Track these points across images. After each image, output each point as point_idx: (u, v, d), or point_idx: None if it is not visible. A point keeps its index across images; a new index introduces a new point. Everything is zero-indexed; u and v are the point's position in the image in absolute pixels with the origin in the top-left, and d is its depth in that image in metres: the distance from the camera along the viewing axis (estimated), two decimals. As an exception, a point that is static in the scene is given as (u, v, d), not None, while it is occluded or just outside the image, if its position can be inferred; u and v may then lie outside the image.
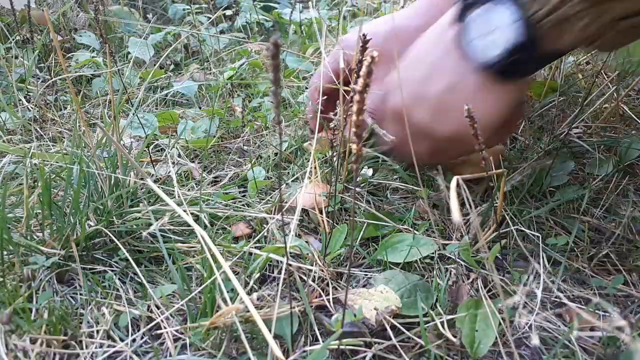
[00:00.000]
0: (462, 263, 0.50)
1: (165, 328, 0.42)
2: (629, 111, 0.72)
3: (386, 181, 0.63)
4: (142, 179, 0.56)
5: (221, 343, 0.39)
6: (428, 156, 0.53)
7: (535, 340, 0.30)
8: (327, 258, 0.49)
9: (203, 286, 0.41)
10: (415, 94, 0.50)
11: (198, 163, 0.73)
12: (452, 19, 0.48)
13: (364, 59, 0.25)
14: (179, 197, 0.57)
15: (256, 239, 0.53)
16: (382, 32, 0.62)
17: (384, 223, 0.54)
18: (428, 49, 0.51)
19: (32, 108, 0.87)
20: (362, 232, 0.53)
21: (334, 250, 0.50)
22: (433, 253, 0.50)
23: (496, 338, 0.41)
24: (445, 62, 0.48)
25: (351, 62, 0.62)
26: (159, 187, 0.61)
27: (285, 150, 0.76)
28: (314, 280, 0.46)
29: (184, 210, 0.41)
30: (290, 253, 0.49)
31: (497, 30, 0.43)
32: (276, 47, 0.25)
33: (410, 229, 0.54)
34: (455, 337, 0.41)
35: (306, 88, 1.00)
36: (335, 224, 0.54)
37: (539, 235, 0.52)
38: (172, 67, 1.21)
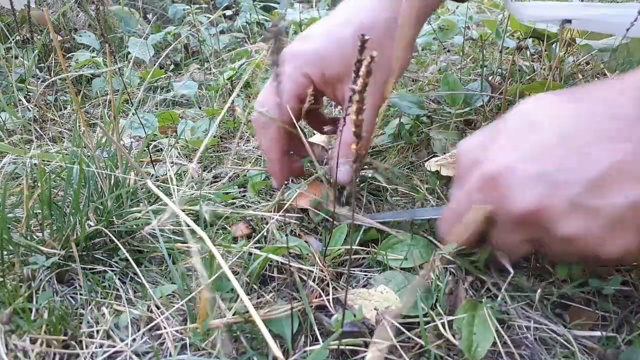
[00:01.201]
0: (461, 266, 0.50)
1: (165, 328, 0.42)
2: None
3: (387, 185, 0.63)
4: (142, 179, 0.56)
5: (221, 343, 0.39)
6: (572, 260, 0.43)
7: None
8: (327, 258, 0.49)
9: (203, 286, 0.41)
10: (580, 195, 0.36)
11: (198, 163, 0.73)
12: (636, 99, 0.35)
13: (362, 58, 0.25)
14: (176, 197, 0.57)
15: (256, 238, 0.53)
16: (348, 37, 0.52)
17: (386, 229, 0.54)
18: (605, 129, 0.36)
19: (32, 108, 0.87)
20: (362, 235, 0.53)
21: (334, 251, 0.50)
22: (432, 254, 0.50)
23: (495, 339, 0.41)
24: (633, 164, 0.35)
25: (319, 77, 0.53)
26: (158, 187, 0.61)
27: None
28: (314, 281, 0.46)
29: (183, 210, 0.41)
30: (290, 253, 0.49)
31: None
32: (277, 31, 0.25)
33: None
34: (455, 337, 0.41)
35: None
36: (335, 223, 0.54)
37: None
38: (172, 67, 1.21)
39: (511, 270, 0.41)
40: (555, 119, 0.39)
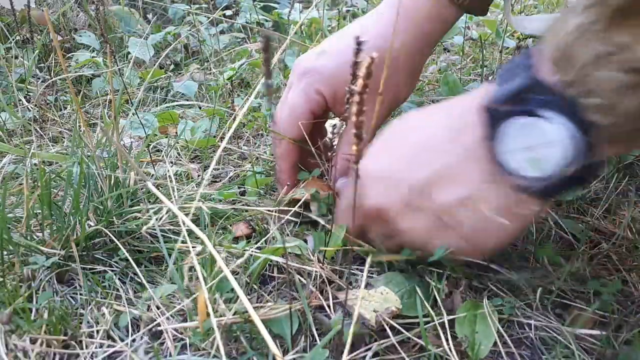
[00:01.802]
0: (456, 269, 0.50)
1: (165, 328, 0.42)
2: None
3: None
4: (141, 179, 0.56)
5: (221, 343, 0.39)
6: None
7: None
8: (326, 257, 0.49)
9: (202, 286, 0.41)
10: (410, 195, 0.41)
11: (198, 163, 0.73)
12: (476, 111, 0.38)
13: (359, 61, 0.25)
14: (175, 198, 0.57)
15: (257, 242, 0.53)
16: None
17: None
18: (438, 138, 0.41)
19: (32, 108, 0.87)
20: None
21: (332, 247, 0.50)
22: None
23: (496, 339, 0.41)
24: (467, 166, 0.39)
25: (332, 96, 0.54)
26: (158, 187, 0.61)
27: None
28: (314, 280, 0.46)
29: (181, 210, 0.41)
30: (291, 253, 0.49)
31: (547, 147, 0.35)
32: (267, 40, 0.25)
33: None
34: (455, 337, 0.41)
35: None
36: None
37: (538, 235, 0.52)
38: (172, 67, 1.21)
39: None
40: (407, 130, 0.44)
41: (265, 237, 0.52)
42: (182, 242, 0.51)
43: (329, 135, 0.50)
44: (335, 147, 0.51)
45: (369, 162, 0.44)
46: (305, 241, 0.52)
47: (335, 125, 0.57)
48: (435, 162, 0.40)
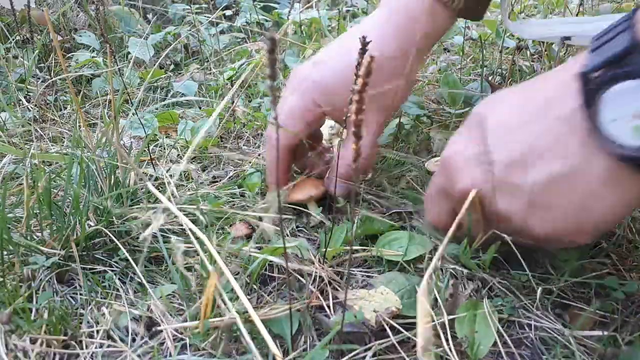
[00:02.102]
0: (461, 266, 0.50)
1: (165, 328, 0.42)
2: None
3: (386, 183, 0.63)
4: (141, 179, 0.56)
5: (220, 343, 0.39)
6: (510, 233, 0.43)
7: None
8: (326, 256, 0.49)
9: (202, 285, 0.41)
10: (504, 174, 0.39)
11: (198, 163, 0.73)
12: (572, 81, 0.36)
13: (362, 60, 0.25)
14: (169, 198, 0.57)
15: (257, 242, 0.53)
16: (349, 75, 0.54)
17: (381, 219, 0.54)
18: (531, 112, 0.39)
19: (32, 108, 0.87)
20: (358, 229, 0.53)
21: (334, 249, 0.50)
22: (431, 254, 0.50)
23: (496, 339, 0.41)
24: (563, 138, 0.36)
25: (328, 104, 0.54)
26: (158, 187, 0.61)
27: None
28: (314, 281, 0.46)
29: (181, 210, 0.41)
30: (291, 254, 0.49)
31: None
32: (272, 42, 0.25)
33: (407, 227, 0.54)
34: (455, 337, 0.41)
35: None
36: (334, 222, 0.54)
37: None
38: (172, 67, 1.21)
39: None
40: (498, 109, 0.42)
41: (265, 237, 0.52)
42: (183, 242, 0.51)
43: (327, 136, 0.50)
44: (333, 148, 0.51)
45: (456, 145, 0.43)
46: (314, 240, 0.52)
47: (332, 126, 0.57)
48: (528, 136, 0.38)
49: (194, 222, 0.41)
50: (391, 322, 0.41)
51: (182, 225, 0.55)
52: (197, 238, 0.38)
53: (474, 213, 0.43)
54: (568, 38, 0.68)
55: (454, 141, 0.44)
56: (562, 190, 0.37)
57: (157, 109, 0.90)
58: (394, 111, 0.63)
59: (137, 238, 0.52)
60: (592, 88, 0.35)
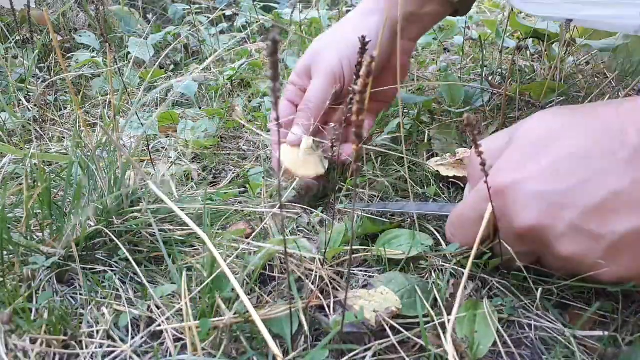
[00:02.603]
0: (461, 266, 0.50)
1: (165, 328, 0.42)
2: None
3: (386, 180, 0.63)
4: (142, 179, 0.55)
5: (221, 343, 0.39)
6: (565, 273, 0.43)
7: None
8: (326, 256, 0.49)
9: (202, 286, 0.41)
10: (579, 220, 0.37)
11: (198, 163, 0.73)
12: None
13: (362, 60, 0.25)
14: (172, 198, 0.57)
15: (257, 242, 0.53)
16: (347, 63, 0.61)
17: (380, 219, 0.54)
18: (601, 152, 0.37)
19: (32, 108, 0.87)
20: (358, 228, 0.53)
21: (333, 248, 0.50)
22: (431, 255, 0.50)
23: (496, 338, 0.41)
24: (634, 193, 0.35)
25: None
26: (158, 187, 0.61)
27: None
28: (314, 282, 0.46)
29: (183, 210, 0.41)
30: (290, 254, 0.49)
31: None
32: (274, 43, 0.25)
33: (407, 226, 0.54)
34: (456, 336, 0.41)
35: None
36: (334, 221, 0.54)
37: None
38: (172, 67, 1.21)
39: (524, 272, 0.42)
40: (567, 139, 0.39)
41: (265, 236, 0.52)
42: (183, 242, 0.51)
43: (330, 135, 0.50)
44: (335, 147, 0.51)
45: (516, 174, 0.40)
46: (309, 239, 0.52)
47: (334, 127, 0.57)
48: (613, 183, 0.36)
49: (194, 221, 0.41)
50: (391, 322, 0.41)
51: (182, 225, 0.55)
52: (197, 237, 0.38)
53: (525, 246, 0.41)
54: (570, 20, 0.67)
55: (511, 167, 0.41)
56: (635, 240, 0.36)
57: (156, 108, 0.90)
58: (390, 102, 0.70)
59: (138, 238, 0.52)
60: None
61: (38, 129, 0.80)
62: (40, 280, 0.46)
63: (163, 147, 0.76)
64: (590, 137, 0.38)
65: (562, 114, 0.41)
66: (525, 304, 0.45)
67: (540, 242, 0.40)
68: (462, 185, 0.62)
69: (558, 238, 0.38)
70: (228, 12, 1.48)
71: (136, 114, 0.75)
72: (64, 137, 0.80)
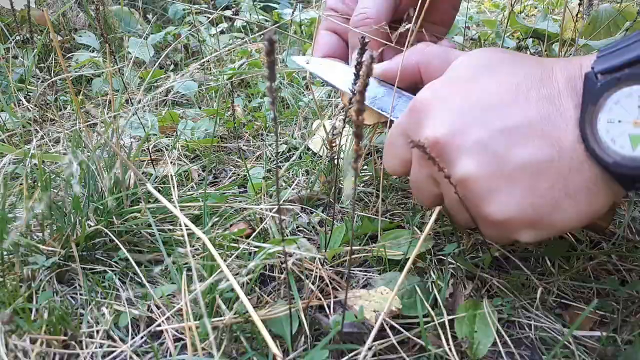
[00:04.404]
0: (461, 265, 0.50)
1: (165, 328, 0.42)
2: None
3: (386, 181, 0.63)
4: (140, 180, 0.56)
5: (221, 343, 0.39)
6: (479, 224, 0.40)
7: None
8: (327, 256, 0.49)
9: (203, 286, 0.41)
10: (483, 135, 0.36)
11: (198, 163, 0.73)
12: (576, 78, 0.35)
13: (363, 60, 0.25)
14: (176, 197, 0.57)
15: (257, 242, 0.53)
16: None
17: (381, 218, 0.54)
18: (527, 89, 0.37)
19: (32, 108, 0.87)
20: (357, 228, 0.53)
21: (333, 249, 0.50)
22: (431, 255, 0.50)
23: (495, 338, 0.41)
24: (556, 125, 0.35)
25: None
26: (158, 187, 0.61)
27: (283, 150, 0.76)
28: (313, 282, 0.46)
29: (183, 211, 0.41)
30: (290, 254, 0.49)
31: None
32: (271, 43, 0.25)
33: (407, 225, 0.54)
34: (455, 337, 0.41)
35: (307, 87, 1.00)
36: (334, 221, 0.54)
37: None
38: (172, 67, 1.21)
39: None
40: (498, 70, 0.39)
41: (265, 236, 0.52)
42: (182, 242, 0.51)
43: (329, 136, 0.50)
44: (334, 147, 0.51)
45: (433, 90, 0.40)
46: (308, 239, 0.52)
47: (335, 127, 0.57)
48: (528, 111, 0.36)
49: (193, 222, 0.41)
50: (391, 322, 0.41)
51: (182, 225, 0.55)
52: (197, 238, 0.38)
53: (427, 168, 0.40)
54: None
55: (432, 84, 0.41)
56: (541, 178, 0.35)
57: (156, 108, 0.90)
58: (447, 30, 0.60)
59: (138, 238, 0.52)
60: (595, 86, 0.33)
61: (38, 129, 0.80)
62: (40, 280, 0.46)
63: (164, 147, 0.76)
64: (521, 73, 0.37)
65: (502, 51, 0.41)
66: (525, 303, 0.45)
67: (443, 159, 0.38)
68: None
69: (460, 154, 0.37)
70: (228, 12, 1.48)
71: (136, 113, 0.75)
72: (63, 137, 0.80)
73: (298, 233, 0.57)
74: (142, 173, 0.65)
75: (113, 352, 0.40)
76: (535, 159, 0.35)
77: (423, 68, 0.46)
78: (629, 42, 0.34)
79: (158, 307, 0.44)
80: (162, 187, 0.62)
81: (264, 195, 0.61)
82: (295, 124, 0.82)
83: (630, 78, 0.33)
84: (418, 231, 0.53)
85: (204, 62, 1.05)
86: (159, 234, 0.47)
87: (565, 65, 0.37)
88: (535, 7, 1.73)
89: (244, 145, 0.79)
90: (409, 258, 0.48)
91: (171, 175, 0.60)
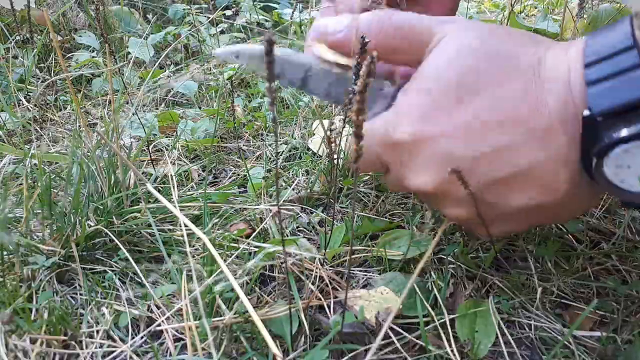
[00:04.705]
0: (461, 265, 0.50)
1: (165, 328, 0.42)
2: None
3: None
4: (140, 180, 0.56)
5: (221, 343, 0.39)
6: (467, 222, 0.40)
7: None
8: (327, 256, 0.49)
9: (203, 286, 0.41)
10: (473, 187, 0.35)
11: (198, 163, 0.73)
12: (558, 87, 0.33)
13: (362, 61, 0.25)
14: (176, 197, 0.56)
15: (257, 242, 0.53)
16: None
17: (379, 218, 0.54)
18: (509, 120, 0.34)
19: (32, 108, 0.87)
20: (358, 228, 0.53)
21: (333, 249, 0.50)
22: (431, 255, 0.50)
23: (496, 338, 0.41)
24: (552, 170, 0.34)
25: None
26: (158, 188, 0.61)
27: (283, 150, 0.76)
28: (313, 282, 0.46)
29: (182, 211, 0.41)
30: (290, 254, 0.49)
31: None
32: (270, 44, 0.25)
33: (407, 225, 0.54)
34: (456, 337, 0.41)
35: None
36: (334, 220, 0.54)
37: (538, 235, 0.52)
38: (172, 67, 1.21)
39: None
40: (483, 95, 0.35)
41: (265, 236, 0.52)
42: (182, 242, 0.51)
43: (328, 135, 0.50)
44: (334, 147, 0.51)
45: (424, 127, 0.36)
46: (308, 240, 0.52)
47: (335, 127, 0.57)
48: (515, 158, 0.34)
49: (193, 221, 0.41)
50: (391, 323, 0.41)
51: (182, 225, 0.55)
52: (197, 238, 0.38)
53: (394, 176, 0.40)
54: None
55: (415, 114, 0.36)
56: (540, 215, 0.36)
57: (157, 108, 0.90)
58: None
59: (138, 237, 0.52)
60: (603, 144, 0.31)
61: (38, 129, 0.80)
62: (40, 280, 0.46)
63: (164, 147, 0.76)
64: (509, 97, 0.34)
65: (480, 52, 0.35)
66: (525, 303, 0.45)
67: (430, 201, 0.39)
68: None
69: (452, 202, 0.37)
70: (228, 12, 1.48)
71: (136, 113, 0.75)
72: (64, 137, 0.80)
73: (298, 233, 0.57)
74: (142, 173, 0.65)
75: (113, 352, 0.40)
76: (523, 205, 0.35)
77: (385, 51, 0.39)
78: (618, 44, 0.31)
79: (158, 307, 0.44)
80: (162, 187, 0.62)
81: (264, 195, 0.61)
82: (295, 124, 0.82)
83: (629, 139, 0.30)
84: (416, 230, 0.53)
85: (200, 61, 1.05)
86: (159, 234, 0.47)
87: (554, 76, 0.33)
88: (535, 7, 1.73)
89: (244, 145, 0.79)
90: (409, 258, 0.49)
91: (171, 175, 0.60)
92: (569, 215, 0.37)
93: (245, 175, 0.68)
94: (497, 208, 0.36)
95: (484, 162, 0.34)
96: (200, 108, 0.93)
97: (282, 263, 0.49)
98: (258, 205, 0.59)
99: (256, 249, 0.48)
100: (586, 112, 0.31)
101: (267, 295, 0.46)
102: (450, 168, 0.34)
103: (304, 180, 0.66)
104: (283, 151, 0.76)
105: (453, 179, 0.34)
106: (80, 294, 0.46)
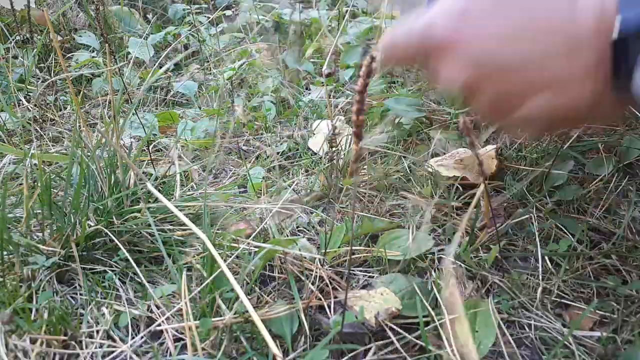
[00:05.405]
0: (462, 265, 0.50)
1: (165, 328, 0.42)
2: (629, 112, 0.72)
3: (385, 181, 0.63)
4: (140, 180, 0.55)
5: (221, 343, 0.39)
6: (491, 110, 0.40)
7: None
8: (327, 257, 0.49)
9: (203, 286, 0.41)
10: (502, 91, 0.37)
11: (198, 162, 0.73)
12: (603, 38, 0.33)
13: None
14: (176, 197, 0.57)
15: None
16: None
17: (379, 218, 0.54)
18: (541, 28, 0.35)
19: (32, 108, 0.87)
20: (358, 228, 0.53)
21: (333, 249, 0.50)
22: (432, 254, 0.50)
23: (496, 338, 0.41)
24: (581, 81, 0.35)
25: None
26: (158, 188, 0.61)
27: (283, 150, 0.76)
28: (313, 282, 0.46)
29: (183, 211, 0.41)
30: (290, 254, 0.49)
31: None
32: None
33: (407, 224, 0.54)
34: (456, 337, 0.41)
35: (307, 89, 1.00)
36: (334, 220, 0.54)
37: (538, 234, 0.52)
38: (172, 67, 1.21)
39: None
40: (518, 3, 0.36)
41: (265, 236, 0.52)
42: (182, 242, 0.51)
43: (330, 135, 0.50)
44: (334, 148, 0.51)
45: (460, 31, 0.37)
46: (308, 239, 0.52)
47: (335, 127, 0.57)
48: (545, 67, 0.35)
49: (193, 221, 0.41)
50: (390, 323, 0.41)
51: (182, 225, 0.55)
52: (197, 237, 0.38)
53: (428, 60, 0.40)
54: None
55: (452, 18, 0.38)
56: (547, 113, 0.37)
57: (157, 108, 0.90)
58: None
59: (138, 237, 0.52)
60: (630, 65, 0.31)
61: (38, 129, 0.80)
62: (40, 280, 0.46)
63: (164, 147, 0.76)
64: (543, 8, 0.35)
65: None
66: (525, 303, 0.45)
67: (441, 56, 0.38)
68: (463, 186, 0.62)
69: (478, 100, 0.39)
70: (228, 12, 1.48)
71: (136, 113, 0.75)
72: (64, 137, 0.80)
73: (298, 233, 0.57)
74: (142, 173, 0.65)
75: (113, 352, 0.40)
76: (548, 107, 0.36)
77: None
78: None
79: (158, 307, 0.44)
80: (162, 188, 0.62)
81: (264, 195, 0.61)
82: (295, 124, 0.82)
83: None
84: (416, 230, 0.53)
85: (206, 66, 1.05)
86: (159, 234, 0.47)
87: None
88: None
89: (244, 145, 0.79)
90: (409, 259, 0.49)
91: (177, 173, 0.59)
92: (592, 121, 0.39)
93: (245, 175, 0.68)
94: (521, 110, 0.37)
95: (514, 69, 0.36)
96: (200, 108, 0.93)
97: (282, 263, 0.49)
98: (258, 205, 0.59)
99: (256, 249, 0.48)
100: (617, 24, 0.31)
101: (267, 295, 0.46)
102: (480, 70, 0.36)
103: (304, 180, 0.66)
104: (284, 151, 0.76)
105: (484, 80, 0.36)
106: (80, 294, 0.46)
